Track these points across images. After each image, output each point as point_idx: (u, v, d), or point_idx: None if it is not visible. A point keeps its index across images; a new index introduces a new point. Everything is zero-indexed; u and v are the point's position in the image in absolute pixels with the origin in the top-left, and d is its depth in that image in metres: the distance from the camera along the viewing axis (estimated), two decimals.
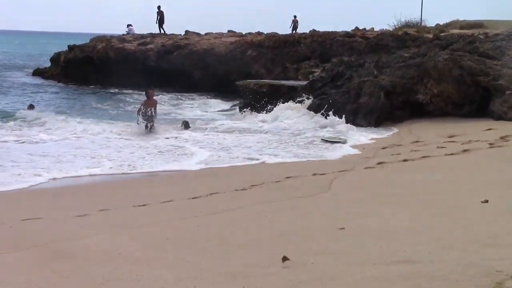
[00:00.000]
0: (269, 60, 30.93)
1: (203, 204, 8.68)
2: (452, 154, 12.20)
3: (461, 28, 30.37)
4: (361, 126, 18.15)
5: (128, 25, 39.94)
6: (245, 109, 22.52)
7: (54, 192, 10.28)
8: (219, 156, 13.90)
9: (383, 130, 17.65)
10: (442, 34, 27.15)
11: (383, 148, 14.44)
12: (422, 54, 19.68)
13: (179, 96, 31.10)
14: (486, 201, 7.26)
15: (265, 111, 21.15)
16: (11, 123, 19.12)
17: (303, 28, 36.81)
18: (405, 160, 11.88)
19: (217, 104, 28.19)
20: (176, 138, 16.74)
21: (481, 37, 21.14)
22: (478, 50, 18.57)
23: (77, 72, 36.58)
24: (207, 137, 16.92)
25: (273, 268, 5.24)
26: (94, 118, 21.29)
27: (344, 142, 15.67)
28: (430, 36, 27.09)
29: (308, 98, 20.68)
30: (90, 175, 11.78)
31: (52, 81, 37.50)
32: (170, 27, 39.84)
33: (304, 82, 23.26)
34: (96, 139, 16.48)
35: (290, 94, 21.98)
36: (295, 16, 40.03)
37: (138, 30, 39.48)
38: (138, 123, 17.90)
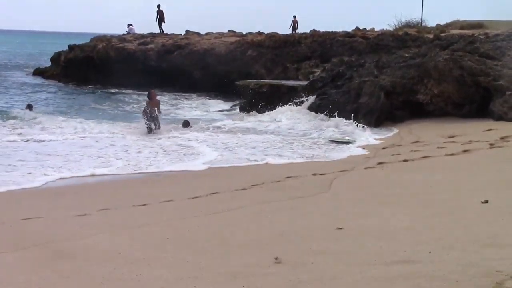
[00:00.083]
0: (269, 60, 30.93)
1: (203, 204, 8.68)
2: (452, 154, 12.19)
3: (462, 28, 30.39)
4: (363, 126, 18.12)
5: (129, 25, 39.95)
6: (245, 109, 22.52)
7: (54, 192, 10.27)
8: (224, 156, 13.81)
9: (383, 130, 17.64)
10: (442, 34, 27.16)
11: (383, 148, 14.44)
12: (423, 54, 19.68)
13: (179, 96, 31.10)
14: (486, 201, 7.26)
15: (266, 111, 21.13)
16: (11, 121, 19.14)
17: (304, 28, 36.89)
18: (405, 160, 11.88)
19: (217, 104, 28.19)
20: (180, 138, 16.67)
21: (482, 37, 21.13)
22: (479, 51, 18.57)
23: (78, 72, 36.60)
24: (210, 137, 16.83)
25: (273, 268, 5.24)
26: (94, 118, 21.28)
27: (352, 142, 15.60)
28: (431, 36, 27.10)
29: (307, 99, 20.66)
30: (100, 174, 11.78)
31: (53, 81, 37.51)
32: (170, 27, 39.97)
33: (305, 82, 23.26)
34: (100, 139, 16.45)
35: (290, 94, 21.98)
36: (294, 17, 40.07)
37: (138, 30, 39.54)
38: (146, 124, 17.96)
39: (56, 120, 19.72)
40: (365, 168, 11.40)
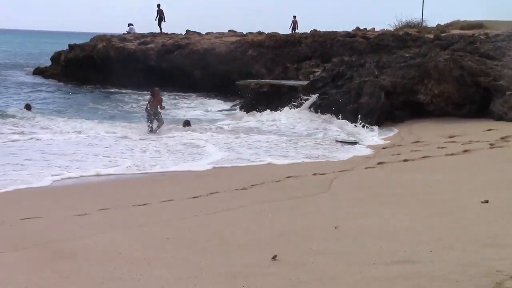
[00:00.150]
0: (270, 60, 30.92)
1: (203, 203, 8.68)
2: (452, 154, 12.20)
3: (462, 28, 30.35)
4: (363, 126, 18.12)
5: (129, 24, 39.94)
6: (245, 109, 22.51)
7: (54, 192, 10.27)
8: (228, 157, 13.72)
9: (383, 130, 17.63)
10: (442, 34, 27.13)
11: (383, 148, 14.44)
12: (423, 54, 19.69)
13: (179, 96, 31.11)
14: (486, 201, 7.26)
15: (267, 111, 21.09)
16: (10, 119, 19.12)
17: (304, 28, 36.93)
18: (405, 160, 11.88)
19: (218, 104, 28.18)
20: (184, 138, 16.58)
21: (482, 37, 21.13)
22: (479, 51, 18.58)
23: (78, 72, 36.61)
24: (214, 137, 16.74)
25: (273, 267, 5.24)
26: (94, 118, 21.29)
27: (359, 143, 15.52)
28: (431, 36, 27.08)
29: (308, 99, 20.64)
30: (108, 174, 11.80)
31: (53, 80, 37.51)
32: (171, 27, 40.03)
33: (305, 82, 23.25)
34: (103, 138, 16.44)
35: (290, 94, 21.98)
36: (294, 17, 40.07)
37: (138, 29, 39.53)
38: (147, 121, 17.94)
39: (55, 120, 19.68)
40: (365, 168, 11.40)
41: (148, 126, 17.96)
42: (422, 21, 35.35)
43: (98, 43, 37.07)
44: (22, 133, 16.88)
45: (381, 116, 18.55)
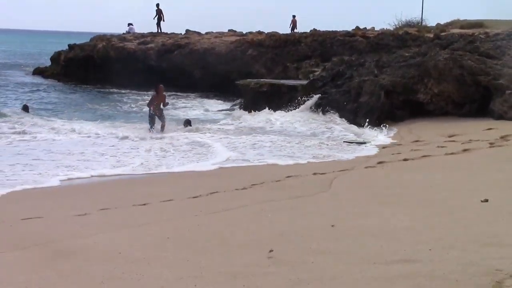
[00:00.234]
0: (270, 60, 30.93)
1: (203, 203, 8.68)
2: (452, 153, 12.20)
3: (462, 27, 30.37)
4: (362, 125, 18.12)
5: (129, 24, 39.94)
6: (246, 109, 22.48)
7: (55, 192, 10.27)
8: (233, 157, 13.57)
9: (376, 130, 17.54)
10: (442, 33, 27.15)
11: (383, 147, 14.44)
12: (423, 53, 19.69)
13: (179, 96, 31.09)
14: (486, 200, 7.27)
15: (267, 111, 21.03)
16: (8, 119, 19.08)
17: (304, 28, 36.86)
18: (405, 160, 11.88)
19: (218, 104, 28.19)
20: (189, 138, 16.33)
21: (482, 36, 21.14)
22: (479, 50, 18.58)
23: (77, 71, 36.62)
24: (217, 137, 16.53)
25: (273, 267, 5.24)
26: (94, 118, 21.28)
27: (368, 142, 15.40)
28: (431, 35, 27.10)
29: (309, 99, 20.61)
30: (118, 174, 11.80)
31: (52, 80, 37.50)
32: (171, 27, 40.06)
33: (305, 82, 23.24)
34: (106, 138, 16.37)
35: (290, 94, 21.97)
36: (294, 16, 40.10)
37: (138, 29, 39.55)
38: (149, 118, 17.93)
39: (53, 121, 19.62)
40: (365, 168, 11.40)
41: (150, 125, 17.89)
42: (422, 20, 35.39)
43: (98, 43, 37.08)
44: (23, 132, 16.84)
45: (381, 115, 18.54)
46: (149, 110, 18.35)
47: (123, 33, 38.81)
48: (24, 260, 5.88)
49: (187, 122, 19.10)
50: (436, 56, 18.46)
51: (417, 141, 14.81)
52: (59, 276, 5.28)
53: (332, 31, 32.07)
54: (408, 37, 27.98)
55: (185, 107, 27.23)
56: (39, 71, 41.41)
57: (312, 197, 8.80)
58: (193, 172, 12.05)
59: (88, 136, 16.68)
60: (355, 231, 6.38)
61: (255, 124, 19.32)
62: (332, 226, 6.58)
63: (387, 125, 17.69)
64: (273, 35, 32.65)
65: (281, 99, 21.83)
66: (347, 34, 30.88)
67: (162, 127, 17.92)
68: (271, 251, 5.59)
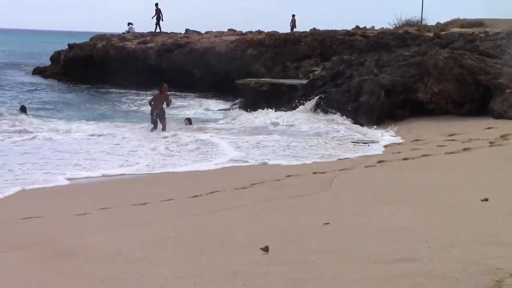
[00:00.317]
0: (269, 59, 30.93)
1: (203, 202, 8.68)
2: (452, 152, 12.20)
3: (462, 26, 30.38)
4: (362, 124, 18.13)
5: (129, 24, 39.93)
6: (246, 108, 22.47)
7: (54, 191, 10.27)
8: (238, 157, 13.45)
9: (380, 129, 17.54)
10: (442, 32, 27.15)
11: (391, 146, 14.40)
12: (423, 52, 19.69)
13: (180, 95, 31.08)
14: (486, 200, 7.27)
15: (268, 111, 20.99)
16: (5, 117, 19.07)
17: (304, 27, 36.85)
18: (405, 159, 11.87)
19: (218, 103, 28.18)
20: (194, 138, 16.14)
21: (482, 35, 21.17)
22: (479, 49, 18.58)
23: (77, 71, 36.60)
24: (219, 137, 16.38)
25: (273, 266, 5.24)
26: (94, 118, 21.28)
27: (377, 142, 15.28)
28: (431, 34, 27.10)
29: (311, 98, 20.61)
30: (129, 174, 11.82)
31: (52, 80, 37.51)
32: (170, 26, 40.03)
33: (305, 81, 23.25)
34: (109, 138, 16.31)
35: (290, 93, 21.98)
36: (293, 15, 40.12)
37: (138, 29, 39.52)
38: (152, 118, 17.91)
39: (51, 121, 19.57)
40: (365, 167, 11.39)
41: (153, 125, 17.84)
42: (421, 19, 35.38)
43: (98, 42, 37.07)
44: (25, 131, 16.83)
45: (381, 114, 18.55)
46: (151, 109, 18.27)
47: (123, 33, 38.80)
48: (24, 259, 5.88)
49: (188, 121, 19.09)
50: (436, 55, 18.46)
51: (417, 140, 14.81)
52: (59, 276, 5.28)
53: (332, 30, 32.07)
54: (408, 36, 27.99)
55: (185, 106, 27.22)
56: (39, 71, 41.42)
57: (312, 196, 8.80)
58: (195, 172, 12.04)
59: (91, 135, 16.64)
60: (355, 230, 6.39)
61: (256, 124, 19.29)
62: (326, 224, 6.59)
63: (379, 125, 17.72)
64: (273, 35, 32.64)
65: (281, 98, 21.84)
66: (347, 33, 30.88)
67: (163, 126, 17.86)
68: (266, 249, 5.58)
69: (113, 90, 33.33)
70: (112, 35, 38.94)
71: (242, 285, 4.81)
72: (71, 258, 5.79)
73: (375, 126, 17.65)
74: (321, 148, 14.67)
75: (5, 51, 73.36)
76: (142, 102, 27.08)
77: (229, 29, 37.05)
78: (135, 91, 31.59)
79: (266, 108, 21.17)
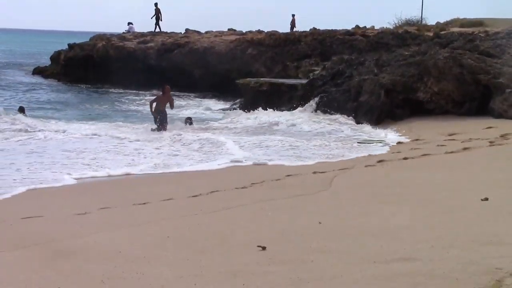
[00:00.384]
0: (269, 59, 30.93)
1: (203, 202, 8.68)
2: (452, 152, 12.20)
3: (462, 26, 30.36)
4: (362, 124, 18.13)
5: (129, 23, 39.92)
6: (246, 108, 22.46)
7: (54, 191, 10.27)
8: (242, 157, 13.33)
9: (383, 129, 17.54)
10: (442, 32, 27.14)
11: (397, 145, 14.40)
12: (423, 52, 19.68)
13: (179, 95, 31.05)
14: (486, 199, 7.27)
15: (268, 110, 20.97)
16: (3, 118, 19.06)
17: (304, 27, 36.84)
18: (405, 158, 11.87)
19: (218, 103, 28.18)
20: (196, 137, 16.03)
21: (482, 35, 21.16)
22: (479, 48, 18.58)
23: (77, 71, 36.58)
24: (223, 137, 16.13)
25: (273, 266, 5.25)
26: (94, 119, 21.26)
27: (383, 141, 15.17)
28: (431, 34, 27.10)
29: (312, 98, 20.59)
30: (137, 173, 11.81)
31: (52, 80, 37.49)
32: (170, 26, 40.03)
33: (305, 81, 23.24)
34: (111, 138, 16.22)
35: (290, 93, 21.97)
36: (293, 15, 40.15)
37: (138, 29, 39.48)
38: (154, 119, 17.86)
39: (50, 121, 19.53)
40: (365, 166, 11.39)
41: (155, 125, 17.82)
42: (421, 19, 35.38)
43: (98, 42, 37.06)
44: (26, 131, 16.82)
45: (381, 114, 18.55)
46: (153, 110, 18.24)
47: (123, 33, 38.78)
48: (24, 259, 5.88)
49: (188, 120, 19.06)
50: (436, 55, 18.46)
51: (417, 139, 14.80)
52: (59, 275, 5.28)
53: (332, 30, 32.06)
54: (408, 36, 27.98)
55: (185, 106, 27.17)
56: (39, 71, 41.40)
57: (312, 196, 8.80)
58: (196, 171, 12.04)
59: (94, 135, 16.62)
60: (355, 230, 6.39)
61: (257, 124, 19.24)
62: (319, 223, 6.59)
63: (379, 124, 17.69)
64: (273, 34, 32.64)
65: (281, 98, 21.83)
66: (347, 33, 30.88)
67: (165, 127, 17.86)
68: (263, 248, 5.59)
69: (113, 90, 33.33)
70: (112, 35, 38.94)
71: (242, 285, 4.82)
72: (71, 258, 5.79)
73: (378, 126, 17.61)
74: (325, 148, 14.60)
75: (5, 51, 73.32)
76: (141, 102, 27.11)
77: (229, 29, 37.04)
78: (135, 91, 31.59)
79: (266, 108, 21.12)
